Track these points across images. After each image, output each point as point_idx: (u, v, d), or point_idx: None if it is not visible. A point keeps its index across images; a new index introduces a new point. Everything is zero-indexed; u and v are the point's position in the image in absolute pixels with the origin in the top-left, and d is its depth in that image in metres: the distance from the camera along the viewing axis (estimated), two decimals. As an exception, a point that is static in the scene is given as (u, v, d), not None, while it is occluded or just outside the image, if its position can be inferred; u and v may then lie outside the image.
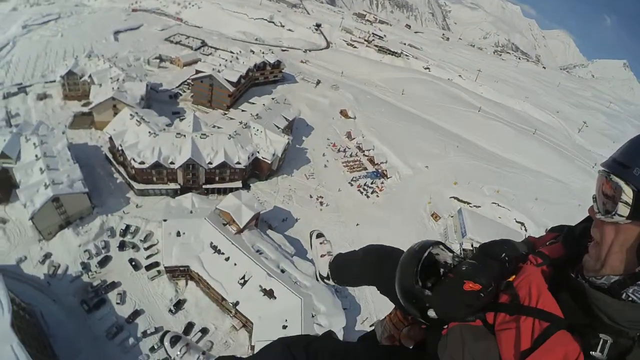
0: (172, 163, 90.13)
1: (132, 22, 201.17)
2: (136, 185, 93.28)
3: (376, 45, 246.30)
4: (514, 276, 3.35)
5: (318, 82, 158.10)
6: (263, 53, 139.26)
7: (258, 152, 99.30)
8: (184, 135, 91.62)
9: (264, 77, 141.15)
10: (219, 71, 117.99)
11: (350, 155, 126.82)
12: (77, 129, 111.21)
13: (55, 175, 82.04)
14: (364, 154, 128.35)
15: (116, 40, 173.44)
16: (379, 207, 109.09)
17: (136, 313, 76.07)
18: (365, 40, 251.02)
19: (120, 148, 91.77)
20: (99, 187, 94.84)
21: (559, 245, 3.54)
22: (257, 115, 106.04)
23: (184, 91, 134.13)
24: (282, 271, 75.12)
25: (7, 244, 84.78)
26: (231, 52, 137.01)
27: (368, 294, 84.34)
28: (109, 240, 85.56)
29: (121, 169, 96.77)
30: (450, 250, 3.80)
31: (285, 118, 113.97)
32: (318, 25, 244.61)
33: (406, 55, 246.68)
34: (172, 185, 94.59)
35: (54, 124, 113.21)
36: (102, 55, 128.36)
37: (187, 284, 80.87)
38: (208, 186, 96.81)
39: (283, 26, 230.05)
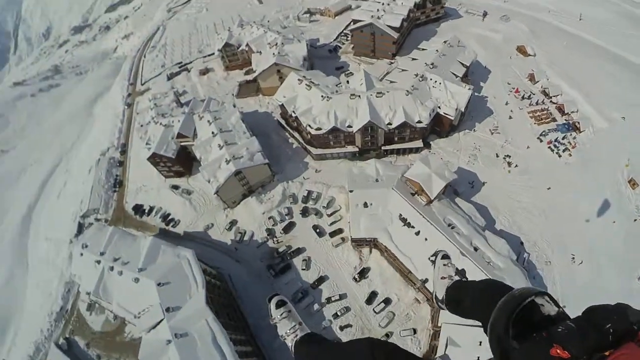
0: (349, 126, 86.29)
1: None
2: (313, 151, 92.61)
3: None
4: (611, 350, 3.06)
5: (485, 14, 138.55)
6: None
7: (439, 107, 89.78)
8: (359, 96, 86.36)
9: (425, 15, 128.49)
10: (378, 17, 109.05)
11: (537, 103, 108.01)
12: (244, 97, 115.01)
13: (235, 149, 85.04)
14: (551, 101, 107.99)
15: (260, 3, 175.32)
16: (571, 168, 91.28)
17: (321, 279, 77.80)
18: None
19: (293, 115, 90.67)
20: (276, 154, 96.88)
21: None
22: (432, 64, 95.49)
23: (343, 43, 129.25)
24: (475, 249, 67.77)
25: (194, 213, 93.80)
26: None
27: (556, 274, 74.83)
28: (291, 207, 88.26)
29: (296, 134, 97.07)
30: (557, 305, 3.65)
31: (462, 64, 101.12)
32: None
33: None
34: (350, 148, 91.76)
35: (222, 95, 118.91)
36: (253, 22, 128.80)
37: (371, 251, 79.21)
38: (387, 147, 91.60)
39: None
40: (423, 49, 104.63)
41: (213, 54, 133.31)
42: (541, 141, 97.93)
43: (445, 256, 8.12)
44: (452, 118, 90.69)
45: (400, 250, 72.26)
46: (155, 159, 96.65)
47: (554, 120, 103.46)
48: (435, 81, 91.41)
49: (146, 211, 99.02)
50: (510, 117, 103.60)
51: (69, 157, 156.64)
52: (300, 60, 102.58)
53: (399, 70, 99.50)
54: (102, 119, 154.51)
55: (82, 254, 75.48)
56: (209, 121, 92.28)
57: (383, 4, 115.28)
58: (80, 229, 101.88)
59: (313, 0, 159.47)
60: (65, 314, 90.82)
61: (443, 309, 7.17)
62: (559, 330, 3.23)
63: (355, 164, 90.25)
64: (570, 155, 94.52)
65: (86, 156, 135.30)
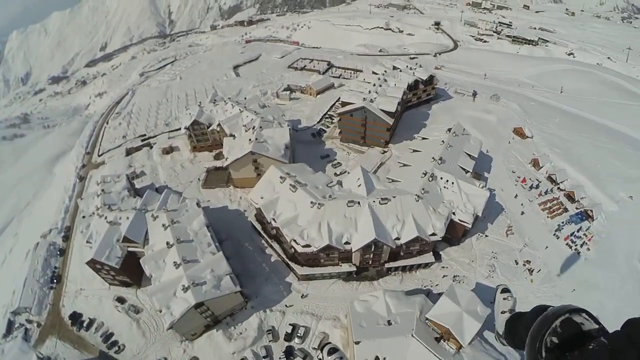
0: (347, 243, 62.41)
1: (249, 53, 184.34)
2: (298, 270, 68.04)
3: (508, 36, 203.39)
4: None
5: (474, 94, 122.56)
6: (411, 69, 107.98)
7: (454, 213, 68.13)
8: (358, 203, 63.66)
9: (417, 97, 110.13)
10: (371, 101, 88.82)
11: (546, 193, 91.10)
12: (212, 188, 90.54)
13: (195, 270, 60.47)
14: (559, 188, 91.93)
15: (237, 76, 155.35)
16: (591, 264, 75.43)
17: None
18: (493, 31, 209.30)
19: (273, 224, 66.31)
20: (249, 269, 72.03)
21: None
22: (440, 159, 74.54)
23: (328, 126, 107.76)
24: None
25: (143, 339, 67.48)
26: (374, 72, 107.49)
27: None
28: (270, 346, 62.83)
29: (275, 245, 72.02)
30: (597, 322, 3.31)
31: (470, 155, 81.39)
32: (437, 24, 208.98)
33: (544, 42, 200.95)
34: (346, 267, 67.48)
35: (185, 182, 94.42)
36: (228, 98, 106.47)
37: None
38: (391, 264, 68.32)
39: (402, 31, 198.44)
40: (424, 138, 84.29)
41: (180, 129, 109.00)
42: (558, 237, 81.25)
43: (505, 290, 7.09)
44: (469, 226, 69.37)
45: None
46: (95, 265, 70.94)
47: (566, 210, 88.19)
48: (447, 180, 70.94)
49: (85, 324, 72.25)
50: (522, 213, 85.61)
51: (21, 218, 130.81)
52: (281, 149, 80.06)
53: (400, 165, 77.99)
54: (53, 188, 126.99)
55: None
56: (164, 225, 67.60)
57: (374, 84, 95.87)
58: (10, 328, 76.44)
59: (293, 77, 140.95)
60: None
61: (505, 345, 5.84)
62: (590, 347, 2.89)
63: (355, 287, 66.79)
64: (588, 249, 79.91)
65: (31, 230, 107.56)
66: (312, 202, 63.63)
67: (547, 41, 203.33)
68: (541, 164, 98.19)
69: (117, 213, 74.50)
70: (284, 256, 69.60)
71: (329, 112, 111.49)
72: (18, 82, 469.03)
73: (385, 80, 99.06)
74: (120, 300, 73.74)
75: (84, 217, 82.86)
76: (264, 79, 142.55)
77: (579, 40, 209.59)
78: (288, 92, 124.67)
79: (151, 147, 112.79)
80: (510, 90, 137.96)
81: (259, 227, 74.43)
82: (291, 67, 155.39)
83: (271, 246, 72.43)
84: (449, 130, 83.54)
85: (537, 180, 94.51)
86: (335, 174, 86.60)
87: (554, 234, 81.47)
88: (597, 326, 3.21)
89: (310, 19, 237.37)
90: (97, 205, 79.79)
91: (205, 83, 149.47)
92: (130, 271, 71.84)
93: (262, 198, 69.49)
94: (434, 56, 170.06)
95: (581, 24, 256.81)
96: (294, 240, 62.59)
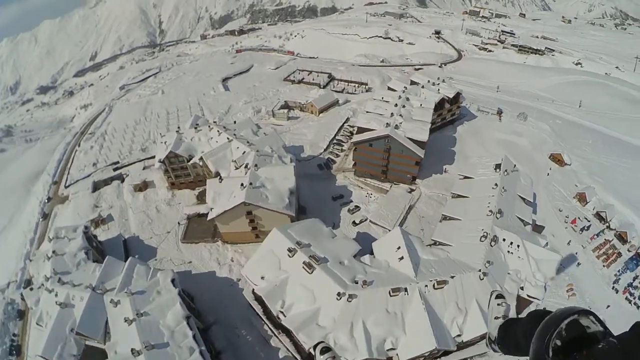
0: (392, 349, 40.77)
1: (240, 64, 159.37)
2: (315, 379, 45.16)
3: (514, 45, 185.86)
4: None
5: (500, 112, 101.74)
6: (434, 84, 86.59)
7: (521, 287, 47.43)
8: (405, 290, 41.83)
9: (441, 118, 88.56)
10: (396, 127, 66.87)
11: (598, 235, 71.38)
12: (194, 242, 67.74)
13: None
14: (609, 227, 72.31)
15: (226, 90, 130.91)
16: None
17: None
18: (498, 40, 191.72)
19: (282, 319, 44.37)
20: (246, 370, 49.53)
21: None
22: (498, 211, 53.25)
23: (337, 155, 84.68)
24: None
25: None
26: (391, 88, 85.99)
27: None
28: None
29: (283, 338, 49.49)
30: (603, 325, 3.11)
31: (524, 200, 60.55)
32: (438, 33, 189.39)
33: (550, 51, 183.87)
34: (382, 375, 45.37)
35: (160, 232, 72.03)
36: (214, 121, 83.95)
37: None
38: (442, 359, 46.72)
39: (402, 40, 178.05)
40: (466, 177, 62.95)
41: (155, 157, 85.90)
42: (617, 291, 63.28)
43: (500, 295, 6.39)
44: (540, 301, 48.72)
45: None
46: None
47: (619, 254, 68.97)
48: (511, 243, 50.03)
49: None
50: (578, 264, 65.69)
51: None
52: (284, 197, 58.03)
53: (444, 218, 56.28)
54: (22, 219, 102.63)
55: None
56: (127, 319, 44.96)
57: (396, 104, 74.07)
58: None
59: (290, 91, 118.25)
60: None
61: (496, 351, 5.45)
62: (600, 347, 2.77)
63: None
64: (646, 301, 61.24)
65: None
66: (339, 293, 41.71)
67: (553, 50, 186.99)
68: (587, 198, 78.78)
69: (69, 290, 51.61)
70: (298, 356, 47.52)
71: (337, 137, 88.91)
72: (7, 91, 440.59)
73: (408, 99, 77.44)
74: (82, 400, 52.33)
75: (31, 289, 59.48)
76: (257, 94, 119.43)
77: (582, 49, 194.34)
78: (286, 110, 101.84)
79: (122, 181, 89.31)
80: (531, 106, 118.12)
81: (258, 309, 52.11)
82: (287, 79, 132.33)
83: (276, 336, 50.23)
84: (497, 167, 62.64)
85: (587, 219, 75.05)
86: (354, 223, 64.82)
87: (613, 287, 63.31)
88: (602, 329, 2.96)
89: (304, 27, 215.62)
90: (46, 274, 56.88)
91: (189, 98, 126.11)
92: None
93: (262, 278, 47.37)
94: (440, 67, 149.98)
95: (580, 32, 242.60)
96: (315, 352, 40.67)
